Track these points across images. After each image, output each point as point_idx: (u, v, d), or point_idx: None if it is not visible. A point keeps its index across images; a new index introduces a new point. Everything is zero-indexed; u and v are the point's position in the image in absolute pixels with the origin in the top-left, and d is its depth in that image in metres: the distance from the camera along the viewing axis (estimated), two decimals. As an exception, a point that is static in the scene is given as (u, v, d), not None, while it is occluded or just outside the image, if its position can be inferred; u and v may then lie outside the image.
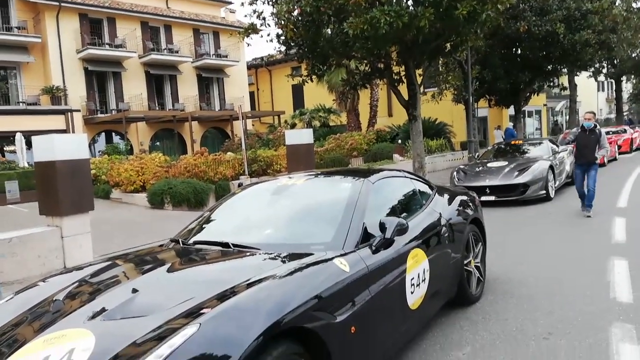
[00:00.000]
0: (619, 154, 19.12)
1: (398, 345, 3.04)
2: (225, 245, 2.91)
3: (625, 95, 39.73)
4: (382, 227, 2.87)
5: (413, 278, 3.09)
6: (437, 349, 3.30)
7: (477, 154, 15.44)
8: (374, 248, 2.82)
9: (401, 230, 2.89)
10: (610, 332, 3.30)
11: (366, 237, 2.88)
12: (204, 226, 3.46)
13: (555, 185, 10.07)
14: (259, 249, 2.77)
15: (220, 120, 28.35)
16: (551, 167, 9.79)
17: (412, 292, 3.07)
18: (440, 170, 17.28)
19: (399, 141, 20.35)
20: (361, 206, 3.04)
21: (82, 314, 2.26)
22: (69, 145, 6.30)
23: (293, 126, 25.86)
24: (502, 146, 12.54)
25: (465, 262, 4.04)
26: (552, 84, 24.48)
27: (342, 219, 2.91)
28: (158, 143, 27.15)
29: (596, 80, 35.81)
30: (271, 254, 2.69)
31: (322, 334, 2.18)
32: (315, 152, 18.54)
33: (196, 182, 13.50)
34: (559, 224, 7.30)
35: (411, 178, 3.98)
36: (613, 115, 41.39)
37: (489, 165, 10.42)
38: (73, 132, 21.44)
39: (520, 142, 12.46)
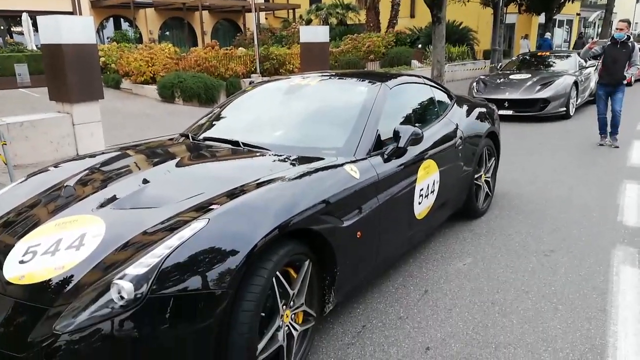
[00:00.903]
0: (649, 73, 18.20)
1: (401, 251, 3.11)
2: (235, 143, 2.86)
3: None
4: (397, 135, 2.78)
5: (422, 189, 3.07)
6: (438, 258, 3.38)
7: (500, 64, 14.75)
8: (386, 156, 2.76)
9: (416, 139, 2.81)
10: (612, 254, 3.34)
11: (379, 144, 2.81)
12: (214, 123, 3.38)
13: (577, 103, 9.72)
14: (269, 150, 2.72)
15: (232, 12, 26.99)
16: (575, 83, 9.37)
17: (419, 203, 3.06)
18: (459, 80, 16.68)
19: (419, 46, 19.42)
20: (376, 112, 2.92)
21: (92, 201, 2.29)
22: (75, 27, 6.03)
23: (308, 22, 24.62)
24: (527, 57, 11.92)
25: (476, 176, 4.00)
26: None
27: (356, 124, 2.81)
28: (168, 33, 26.18)
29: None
30: (281, 155, 2.63)
31: (328, 236, 2.20)
32: (330, 53, 17.91)
33: (207, 77, 13.19)
34: (575, 144, 7.14)
35: (431, 85, 3.80)
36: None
37: (511, 77, 9.98)
38: (80, 14, 20.58)
39: (547, 53, 11.80)
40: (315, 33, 11.19)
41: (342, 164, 2.48)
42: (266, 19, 28.41)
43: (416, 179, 2.99)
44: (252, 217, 1.94)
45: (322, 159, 2.55)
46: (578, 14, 32.02)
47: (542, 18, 23.55)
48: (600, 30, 30.46)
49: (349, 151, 2.65)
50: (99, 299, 1.66)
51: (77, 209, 2.25)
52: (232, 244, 1.83)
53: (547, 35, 20.66)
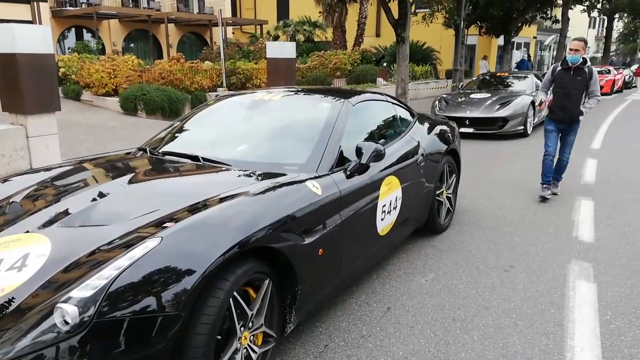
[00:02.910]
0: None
1: (364, 268, 3.09)
2: (195, 158, 2.79)
3: (614, 35, 39.14)
4: (359, 151, 2.78)
5: (385, 205, 3.07)
6: (401, 274, 3.38)
7: (461, 83, 15.19)
8: (348, 172, 2.75)
9: (378, 156, 2.82)
10: (568, 269, 3.43)
11: (342, 160, 2.80)
12: (175, 136, 3.30)
13: (534, 122, 10.09)
14: (230, 165, 2.66)
15: (199, 25, 26.85)
16: (532, 103, 9.73)
17: (382, 219, 3.06)
18: (423, 98, 17.06)
19: (384, 64, 19.81)
20: (339, 128, 2.92)
21: (40, 218, 2.17)
22: (31, 36, 5.82)
23: (276, 38, 24.72)
24: (487, 77, 12.34)
25: (438, 192, 4.05)
26: (545, 14, 23.77)
27: (319, 140, 2.80)
28: (132, 45, 25.74)
29: (589, 15, 34.96)
30: (242, 171, 2.58)
31: (289, 254, 2.16)
32: (297, 69, 18.02)
33: (171, 90, 12.99)
34: (533, 162, 7.37)
35: (393, 103, 3.85)
36: (599, 55, 41.03)
37: (471, 96, 10.28)
38: (40, 23, 19.99)
39: (506, 74, 12.25)
40: (282, 49, 11.23)
41: (304, 180, 2.45)
42: (233, 33, 28.40)
43: (379, 196, 2.99)
44: (209, 235, 1.88)
45: (285, 174, 2.52)
46: (535, 37, 33.52)
47: (501, 40, 24.49)
48: (555, 53, 31.93)
49: (311, 167, 2.63)
50: (41, 323, 1.55)
51: (22, 227, 2.12)
52: (186, 263, 1.76)
53: (524, 56, 21.46)
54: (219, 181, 2.47)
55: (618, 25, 41.15)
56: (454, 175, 4.39)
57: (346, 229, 2.63)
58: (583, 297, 3.02)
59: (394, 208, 3.23)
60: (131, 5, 24.39)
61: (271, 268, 2.14)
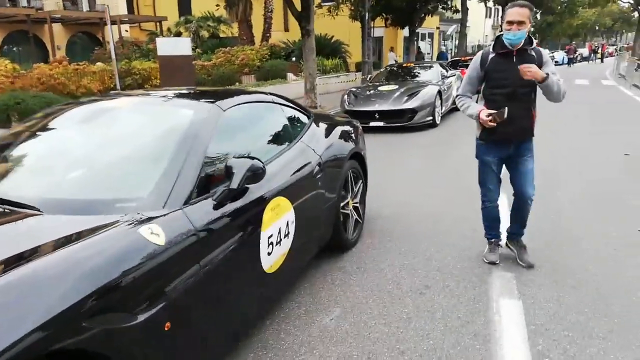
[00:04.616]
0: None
1: (249, 319, 2.42)
2: (-10, 200, 1.96)
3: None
4: (229, 172, 2.12)
5: (272, 235, 2.43)
6: (302, 313, 2.76)
7: (369, 75, 15.03)
8: (215, 202, 2.07)
9: (255, 175, 2.17)
10: (489, 284, 3.01)
11: (206, 186, 2.12)
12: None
13: (442, 112, 10.01)
14: (38, 210, 1.85)
15: (91, 24, 24.51)
16: (439, 93, 9.63)
17: (269, 253, 2.42)
18: (334, 92, 16.71)
19: (294, 59, 19.23)
20: (202, 143, 2.22)
21: None
22: None
23: (178, 35, 23.15)
24: (395, 68, 12.18)
25: (342, 204, 3.49)
26: (445, 5, 24.54)
27: (170, 163, 2.08)
28: (14, 48, 22.92)
29: (485, 5, 36.98)
30: (50, 218, 1.80)
31: (105, 348, 1.44)
32: (202, 67, 16.92)
33: (53, 97, 11.41)
34: (446, 155, 7.15)
35: (281, 104, 3.20)
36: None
37: (380, 88, 9.99)
38: None
39: (412, 64, 12.18)
40: (176, 45, 10.25)
41: (135, 225, 1.73)
42: (127, 31, 26.25)
43: (261, 225, 2.35)
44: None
45: (115, 220, 1.77)
46: (438, 28, 34.72)
47: (406, 31, 24.94)
48: (457, 42, 33.27)
49: (156, 202, 1.91)
50: None
51: None
52: None
53: (443, 48, 21.87)
54: (6, 241, 1.66)
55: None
56: (360, 181, 3.87)
57: (212, 281, 1.95)
58: (511, 321, 2.59)
59: (286, 236, 2.60)
60: (8, 5, 21.63)
61: None
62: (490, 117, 2.95)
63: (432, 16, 25.56)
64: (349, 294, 2.97)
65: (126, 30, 25.55)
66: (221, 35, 24.24)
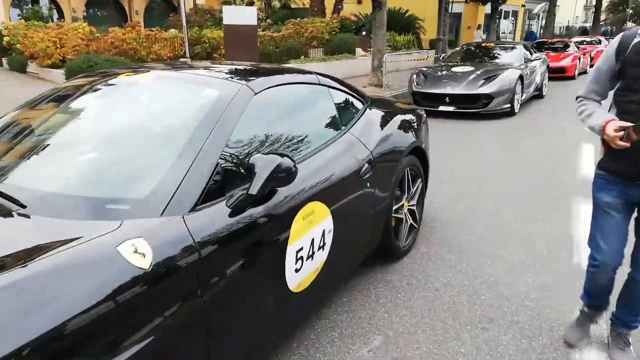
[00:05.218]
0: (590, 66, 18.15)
1: (265, 350, 2.03)
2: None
3: (604, 4, 37.93)
4: (251, 172, 1.70)
5: (302, 249, 2.01)
6: (335, 337, 2.34)
7: (443, 54, 14.02)
8: (232, 207, 1.67)
9: (282, 178, 1.74)
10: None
11: (225, 187, 1.72)
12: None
13: (522, 99, 9.02)
14: (23, 206, 1.53)
15: (168, -10, 24.99)
16: (521, 78, 8.65)
17: (297, 270, 2.00)
18: (404, 70, 15.82)
19: (364, 33, 18.43)
20: (222, 133, 1.81)
21: None
22: None
23: (250, 4, 23.01)
24: (472, 48, 11.17)
25: (396, 206, 2.99)
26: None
27: (179, 157, 1.69)
28: (98, 12, 23.87)
29: (580, -17, 33.65)
30: (16, 223, 1.47)
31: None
32: (271, 38, 16.63)
33: (124, 61, 11.62)
34: (524, 148, 6.35)
35: (330, 86, 2.71)
36: (589, 25, 39.85)
37: (453, 69, 9.13)
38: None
39: (492, 44, 11.09)
40: (242, 14, 9.94)
41: (116, 239, 1.35)
42: (205, -1, 26.48)
43: (288, 237, 1.92)
44: None
45: (94, 232, 1.41)
46: (523, 6, 32.12)
47: (488, 8, 23.18)
48: (544, 22, 30.66)
49: (155, 206, 1.53)
50: None
51: None
52: None
53: (531, 28, 20.25)
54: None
55: (608, -6, 39.98)
56: (420, 180, 3.33)
57: (217, 312, 1.56)
58: (595, 383, 2.03)
59: (320, 248, 2.16)
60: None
61: None
62: (622, 133, 1.85)
63: (519, -8, 23.55)
64: (394, 317, 2.50)
65: (203, -2, 25.79)
66: (292, 5, 23.82)
